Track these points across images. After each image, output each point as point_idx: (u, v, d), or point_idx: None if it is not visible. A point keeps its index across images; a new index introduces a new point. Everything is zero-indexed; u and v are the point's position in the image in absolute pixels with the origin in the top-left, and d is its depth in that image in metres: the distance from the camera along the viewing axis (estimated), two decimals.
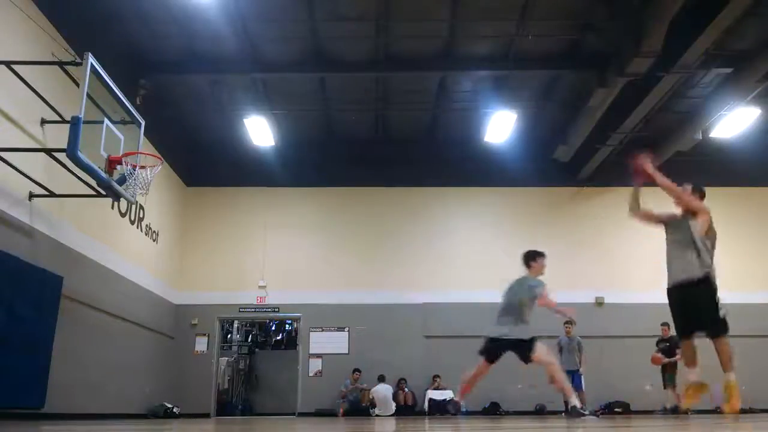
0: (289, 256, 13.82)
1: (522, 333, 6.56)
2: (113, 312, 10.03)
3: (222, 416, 13.49)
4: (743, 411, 12.31)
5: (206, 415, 12.83)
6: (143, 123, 8.11)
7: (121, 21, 9.74)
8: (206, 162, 14.03)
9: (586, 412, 6.62)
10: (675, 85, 10.95)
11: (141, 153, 7.88)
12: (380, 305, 13.47)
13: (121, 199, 7.88)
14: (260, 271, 13.71)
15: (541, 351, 6.58)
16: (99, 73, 6.96)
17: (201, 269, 13.71)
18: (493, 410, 12.64)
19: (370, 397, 12.66)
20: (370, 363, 12.98)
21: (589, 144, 12.65)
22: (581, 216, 14.11)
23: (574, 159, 13.41)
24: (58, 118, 7.63)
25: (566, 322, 11.63)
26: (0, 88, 6.94)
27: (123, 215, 10.69)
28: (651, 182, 5.53)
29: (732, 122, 11.95)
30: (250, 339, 17.02)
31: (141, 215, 11.44)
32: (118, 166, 7.36)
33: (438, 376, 12.94)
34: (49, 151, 7.39)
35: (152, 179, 7.92)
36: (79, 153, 6.53)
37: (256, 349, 16.82)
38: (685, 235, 5.49)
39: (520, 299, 6.69)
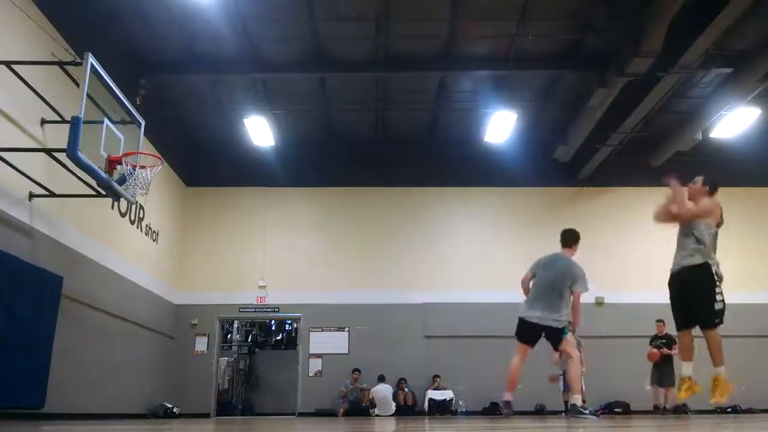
0: (289, 256, 13.82)
1: (557, 320, 6.37)
2: (113, 312, 10.03)
3: (222, 416, 13.49)
4: (743, 411, 12.34)
5: (206, 415, 12.84)
6: (143, 123, 8.11)
7: (121, 21, 9.74)
8: (206, 162, 14.03)
9: (587, 411, 6.55)
10: (675, 85, 10.95)
11: (141, 153, 7.88)
12: (380, 305, 13.47)
13: (121, 199, 7.88)
14: (260, 271, 13.71)
15: (569, 343, 6.49)
16: (99, 73, 6.95)
17: (201, 269, 13.71)
18: (493, 410, 12.64)
19: (370, 397, 12.66)
20: (370, 363, 12.98)
21: (589, 144, 12.65)
22: (581, 216, 14.07)
23: (574, 159, 13.41)
24: (58, 118, 7.63)
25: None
26: (0, 88, 6.94)
27: (123, 215, 10.69)
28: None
29: (732, 122, 11.96)
30: (250, 339, 17.02)
31: (141, 215, 11.44)
32: (118, 166, 7.35)
33: (438, 376, 12.95)
34: (49, 151, 7.39)
35: (152, 179, 7.91)
36: (79, 153, 6.53)
37: (256, 349, 16.82)
38: (688, 227, 5.66)
39: (564, 286, 6.45)
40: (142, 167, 7.72)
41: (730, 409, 12.47)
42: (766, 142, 13.70)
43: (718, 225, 5.49)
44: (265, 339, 17.38)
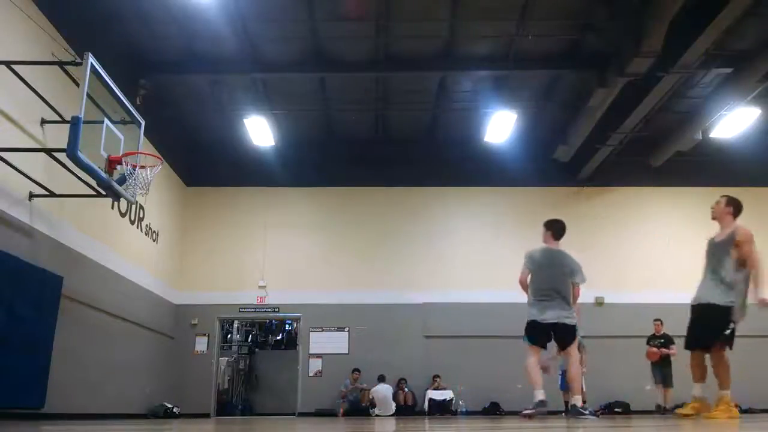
0: (289, 256, 13.82)
1: (569, 317, 6.14)
2: (113, 312, 10.03)
3: (222, 416, 13.49)
4: (743, 411, 12.32)
5: (206, 415, 12.83)
6: (143, 123, 8.11)
7: (121, 21, 9.74)
8: (206, 162, 14.03)
9: (587, 412, 6.46)
10: (675, 85, 10.95)
11: (141, 153, 7.88)
12: (380, 305, 13.47)
13: (121, 199, 7.87)
14: (260, 271, 13.71)
15: (576, 342, 6.33)
16: (99, 73, 6.95)
17: (201, 269, 13.71)
18: (493, 410, 12.64)
19: (370, 397, 12.66)
20: (370, 363, 12.98)
21: (589, 144, 12.65)
22: (581, 216, 14.08)
23: (574, 159, 13.40)
24: (58, 118, 7.63)
25: None
26: (0, 88, 6.94)
27: (123, 215, 10.69)
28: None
29: (732, 122, 11.95)
30: (250, 339, 17.02)
31: (141, 215, 11.44)
32: (118, 166, 7.35)
33: (438, 376, 12.94)
34: (49, 151, 7.39)
35: (152, 179, 7.91)
36: (79, 153, 6.53)
37: (256, 349, 16.82)
38: (718, 261, 5.92)
39: (567, 280, 6.28)
40: (142, 167, 7.72)
41: None
42: (766, 142, 13.69)
43: (746, 263, 5.51)
44: (265, 339, 17.38)
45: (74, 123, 6.53)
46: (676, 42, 9.19)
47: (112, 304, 9.98)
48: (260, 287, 13.66)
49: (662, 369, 11.25)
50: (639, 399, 12.57)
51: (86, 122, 6.68)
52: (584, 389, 11.37)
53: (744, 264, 5.64)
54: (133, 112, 7.89)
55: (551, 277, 6.29)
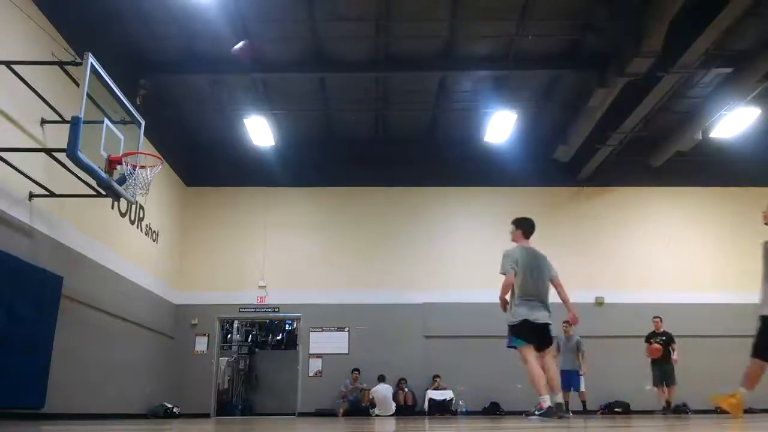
0: (289, 256, 13.82)
1: (550, 316, 6.24)
2: (113, 312, 10.03)
3: (222, 416, 13.49)
4: (743, 411, 12.31)
5: (206, 415, 12.83)
6: (143, 123, 8.11)
7: (121, 21, 9.74)
8: (206, 162, 14.03)
9: (537, 413, 6.30)
10: (675, 85, 10.95)
11: (141, 153, 7.88)
12: (380, 305, 13.47)
13: (121, 199, 7.87)
14: (260, 271, 13.71)
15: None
16: (99, 73, 6.95)
17: (201, 269, 13.71)
18: (493, 410, 12.65)
19: (370, 397, 12.66)
20: (370, 363, 12.98)
21: (589, 144, 12.66)
22: (581, 216, 14.11)
23: (574, 159, 13.41)
24: (58, 118, 7.63)
25: (564, 322, 11.62)
26: (0, 88, 6.94)
27: (123, 215, 10.69)
28: None
29: (732, 122, 11.95)
30: (250, 339, 17.01)
31: (141, 215, 11.44)
32: (118, 166, 7.35)
33: (438, 376, 12.94)
34: (49, 151, 7.39)
35: (152, 179, 7.91)
36: (79, 153, 6.53)
37: (256, 349, 16.82)
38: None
39: (550, 279, 6.37)
40: (142, 167, 7.72)
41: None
42: (766, 142, 13.70)
43: None
44: (265, 339, 17.38)
45: (74, 123, 6.53)
46: (676, 42, 9.19)
47: (112, 304, 9.98)
48: (260, 287, 13.66)
49: (663, 367, 11.17)
50: (639, 399, 12.57)
51: (86, 122, 6.68)
52: (583, 389, 11.43)
53: None
54: (133, 112, 7.89)
55: (538, 276, 6.33)
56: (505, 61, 10.88)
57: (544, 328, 6.20)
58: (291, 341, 16.39)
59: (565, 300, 6.49)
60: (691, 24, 8.94)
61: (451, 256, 13.85)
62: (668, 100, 11.72)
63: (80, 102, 6.60)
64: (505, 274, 6.35)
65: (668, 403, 11.13)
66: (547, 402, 5.96)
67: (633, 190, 14.27)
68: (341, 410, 12.60)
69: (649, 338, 11.46)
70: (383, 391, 12.55)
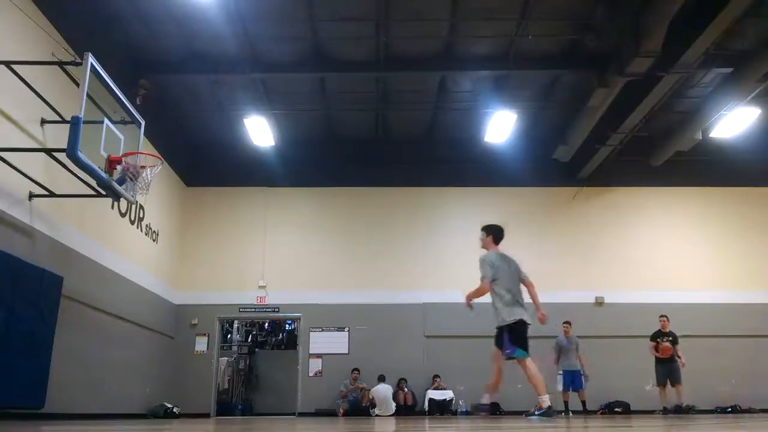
0: (289, 256, 13.82)
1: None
2: (113, 312, 10.03)
3: (222, 416, 13.49)
4: (743, 411, 12.34)
5: (206, 415, 12.83)
6: (143, 123, 8.11)
7: (121, 21, 9.75)
8: (206, 162, 14.03)
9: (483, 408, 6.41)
10: (675, 85, 10.95)
11: (141, 153, 7.88)
12: (380, 305, 13.47)
13: (121, 199, 7.87)
14: (260, 271, 13.71)
15: None
16: (99, 73, 6.95)
17: (201, 269, 13.70)
18: (493, 410, 12.63)
19: (370, 397, 12.66)
20: (370, 363, 12.98)
21: (589, 144, 12.66)
22: (581, 216, 14.11)
23: (574, 159, 13.41)
24: (58, 118, 7.63)
25: (565, 322, 11.62)
26: (0, 88, 6.94)
27: (123, 215, 10.69)
28: None
29: (732, 122, 11.95)
30: (250, 339, 17.02)
31: (141, 215, 11.44)
32: (118, 166, 7.35)
33: (438, 376, 12.94)
34: (49, 151, 7.39)
35: (152, 179, 7.91)
36: (79, 153, 6.53)
37: (256, 349, 16.82)
38: None
39: (521, 280, 6.54)
40: (142, 167, 7.72)
41: (730, 409, 12.48)
42: (766, 142, 13.71)
43: None
44: (265, 339, 17.38)
45: (74, 123, 6.52)
46: (676, 42, 9.19)
47: (112, 304, 9.98)
48: (260, 287, 13.66)
49: (669, 366, 11.07)
50: (639, 399, 12.58)
51: (86, 122, 6.67)
52: (584, 388, 11.42)
53: None
54: (133, 112, 7.89)
55: (515, 278, 6.51)
56: (505, 61, 10.88)
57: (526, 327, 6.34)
58: (291, 341, 16.39)
59: (535, 299, 6.63)
60: (691, 24, 8.95)
61: (451, 255, 13.84)
62: (668, 100, 11.73)
63: (80, 102, 6.59)
64: (484, 279, 6.46)
65: (679, 403, 11.00)
66: (546, 402, 6.03)
67: (633, 190, 14.27)
68: (341, 410, 12.60)
69: (656, 337, 11.35)
70: (383, 391, 12.55)
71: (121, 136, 7.59)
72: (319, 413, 12.67)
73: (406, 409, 12.61)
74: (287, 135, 13.57)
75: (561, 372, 11.32)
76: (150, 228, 11.93)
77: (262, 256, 13.78)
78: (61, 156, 6.98)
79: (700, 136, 12.24)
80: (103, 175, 7.09)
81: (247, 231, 13.96)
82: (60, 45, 7.95)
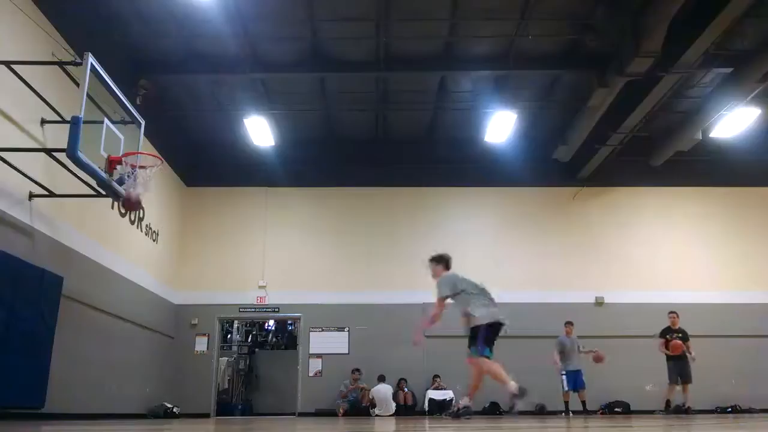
0: (289, 256, 13.82)
1: None
2: (113, 312, 10.03)
3: (222, 416, 13.49)
4: (743, 411, 12.34)
5: (206, 415, 12.83)
6: (143, 123, 8.11)
7: (121, 21, 9.74)
8: (206, 162, 14.03)
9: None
10: (675, 85, 10.95)
11: (141, 153, 7.88)
12: (380, 305, 13.46)
13: (122, 199, 7.87)
14: (260, 271, 13.71)
15: None
16: (99, 73, 6.95)
17: (201, 269, 13.70)
18: (493, 410, 12.64)
19: (370, 397, 12.66)
20: (370, 363, 12.98)
21: (589, 144, 12.66)
22: (581, 216, 14.11)
23: (574, 159, 13.41)
24: (58, 118, 7.63)
25: (567, 323, 11.60)
26: (0, 88, 6.93)
27: (123, 215, 10.69)
28: None
29: (732, 122, 11.95)
30: (250, 339, 17.01)
31: (141, 215, 11.43)
32: (118, 166, 7.35)
33: (438, 376, 12.94)
34: (49, 151, 7.39)
35: (151, 178, 7.90)
36: (79, 153, 6.53)
37: (256, 349, 16.82)
38: None
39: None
40: (142, 167, 7.71)
41: (730, 409, 12.48)
42: (766, 142, 13.71)
43: None
44: (265, 339, 17.38)
45: (74, 123, 6.52)
46: (676, 42, 9.19)
47: (112, 304, 9.97)
48: (260, 287, 13.66)
49: (681, 364, 10.85)
50: (639, 399, 12.58)
51: (86, 122, 6.67)
52: (585, 388, 11.40)
53: None
54: (133, 112, 7.89)
55: (480, 287, 7.02)
56: (505, 61, 10.88)
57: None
58: (291, 341, 16.39)
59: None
60: (691, 24, 8.95)
61: (451, 255, 13.81)
62: (668, 100, 11.73)
63: (80, 102, 6.59)
64: (442, 298, 6.97)
65: (681, 403, 10.85)
66: (514, 384, 6.32)
67: (633, 190, 14.27)
68: (341, 410, 12.60)
69: (665, 334, 11.12)
70: (383, 391, 12.55)
71: (121, 136, 7.60)
72: (319, 413, 12.67)
73: (406, 409, 12.61)
74: (287, 135, 13.57)
75: (564, 372, 11.30)
76: (150, 228, 11.93)
77: (262, 256, 13.78)
78: (61, 156, 6.98)
79: (700, 136, 12.24)
80: (103, 175, 7.09)
81: (247, 231, 13.96)
82: (60, 45, 7.95)
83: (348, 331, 13.52)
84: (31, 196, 7.56)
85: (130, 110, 7.79)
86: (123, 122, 7.79)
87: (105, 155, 7.17)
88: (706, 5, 8.61)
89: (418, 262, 13.63)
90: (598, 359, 11.06)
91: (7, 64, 6.85)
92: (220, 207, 14.11)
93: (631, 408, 12.57)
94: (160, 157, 8.54)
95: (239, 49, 10.46)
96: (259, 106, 12.16)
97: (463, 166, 13.99)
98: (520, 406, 6.29)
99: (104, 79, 7.09)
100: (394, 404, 12.57)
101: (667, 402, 11.10)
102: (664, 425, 5.32)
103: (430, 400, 12.63)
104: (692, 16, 8.87)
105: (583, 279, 13.59)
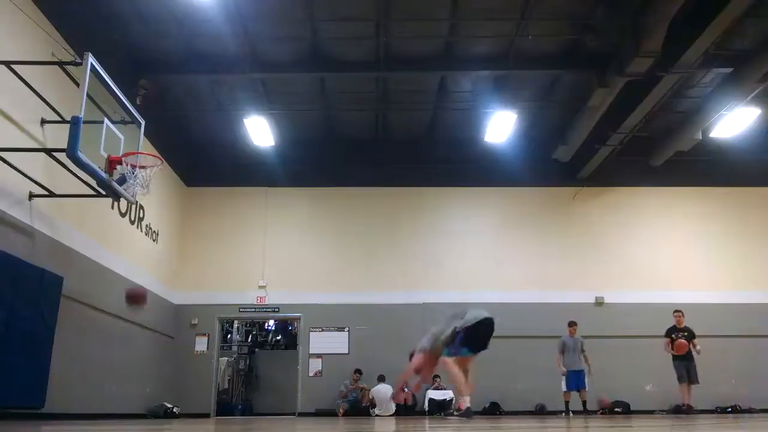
0: (289, 256, 13.82)
1: None
2: (113, 312, 10.02)
3: (222, 416, 13.49)
4: (743, 411, 12.34)
5: (206, 415, 12.83)
6: (143, 123, 8.11)
7: (121, 21, 9.74)
8: (206, 162, 14.03)
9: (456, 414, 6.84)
10: (675, 85, 10.95)
11: (141, 153, 7.88)
12: (380, 305, 13.47)
13: (121, 199, 7.87)
14: (260, 271, 13.71)
15: None
16: (99, 73, 6.95)
17: (201, 269, 13.70)
18: (493, 410, 12.65)
19: (370, 397, 12.66)
20: (370, 363, 12.97)
21: (589, 144, 12.66)
22: (581, 216, 14.11)
23: (574, 159, 13.41)
24: (58, 118, 7.63)
25: (571, 323, 11.58)
26: (0, 88, 6.93)
27: (123, 215, 10.69)
28: None
29: (732, 122, 11.95)
30: (250, 339, 17.01)
31: (141, 215, 11.44)
32: (118, 166, 7.35)
33: (438, 376, 12.91)
34: (49, 151, 7.39)
35: (151, 178, 7.90)
36: (79, 153, 6.53)
37: (256, 349, 16.81)
38: None
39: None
40: (142, 167, 7.72)
41: (730, 409, 12.48)
42: (766, 142, 13.71)
43: None
44: (265, 339, 17.37)
45: (74, 123, 6.52)
46: (676, 42, 9.19)
47: (112, 304, 9.96)
48: (260, 287, 13.66)
49: (688, 363, 10.65)
50: (639, 399, 12.58)
51: (86, 122, 6.67)
52: (587, 388, 11.37)
53: None
54: (133, 112, 7.89)
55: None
56: (505, 61, 10.88)
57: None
58: (291, 341, 16.39)
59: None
60: (691, 24, 8.95)
61: (451, 255, 13.85)
62: (668, 100, 11.73)
63: (80, 102, 6.60)
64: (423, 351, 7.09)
65: (685, 405, 10.67)
66: (467, 403, 6.51)
67: (633, 190, 14.27)
68: (341, 410, 12.60)
69: (671, 333, 10.91)
70: (383, 391, 12.54)
71: (121, 136, 7.60)
72: (319, 413, 12.67)
73: (406, 409, 12.60)
74: (287, 135, 13.57)
75: (565, 372, 11.29)
76: (150, 228, 11.93)
77: (262, 256, 13.78)
78: (61, 156, 6.98)
79: (700, 136, 12.24)
80: (103, 175, 7.09)
81: (247, 231, 13.96)
82: (60, 45, 7.95)
83: (348, 331, 13.53)
84: (31, 196, 7.56)
85: (130, 110, 7.79)
86: (123, 122, 7.79)
87: (105, 155, 7.17)
88: (706, 5, 8.61)
89: (419, 262, 13.80)
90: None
91: (7, 64, 6.85)
92: (220, 207, 14.10)
93: (631, 408, 12.56)
94: (160, 157, 8.55)
95: (239, 48, 10.46)
96: (259, 106, 12.16)
97: (463, 166, 13.99)
98: (455, 419, 6.49)
99: (104, 79, 7.09)
100: (394, 404, 12.57)
101: (685, 404, 10.73)
102: (663, 425, 5.32)
103: (430, 400, 12.62)
104: (692, 16, 8.86)
105: (583, 279, 13.59)
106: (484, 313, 6.96)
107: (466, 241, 13.99)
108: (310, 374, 13.30)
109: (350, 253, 13.88)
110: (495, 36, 10.48)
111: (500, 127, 12.49)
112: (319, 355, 13.37)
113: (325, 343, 13.43)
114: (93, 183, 7.55)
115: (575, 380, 11.16)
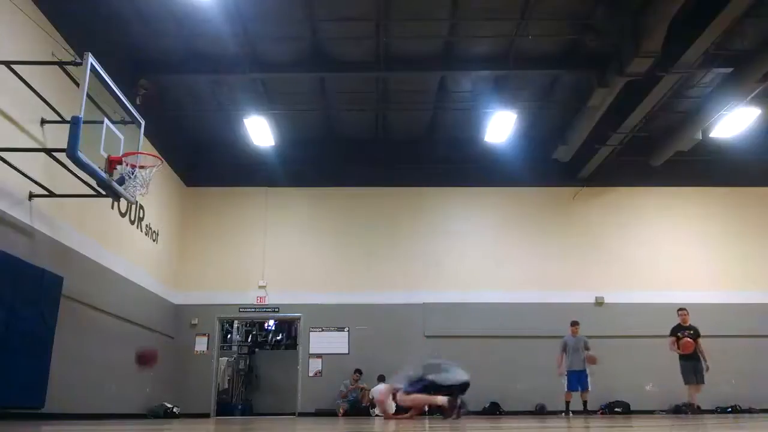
0: (289, 256, 13.82)
1: None
2: (113, 312, 10.03)
3: (222, 416, 13.49)
4: (743, 411, 12.34)
5: (206, 415, 12.83)
6: (143, 123, 8.11)
7: (121, 21, 9.74)
8: (206, 162, 14.03)
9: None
10: (675, 85, 10.95)
11: (141, 153, 7.88)
12: (380, 305, 13.47)
13: (121, 199, 7.87)
14: (260, 271, 13.71)
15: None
16: (99, 73, 6.95)
17: (201, 269, 13.70)
18: (492, 410, 12.65)
19: (370, 397, 12.65)
20: (370, 363, 12.96)
21: (589, 144, 12.66)
22: (581, 216, 14.11)
23: (574, 159, 13.41)
24: (58, 118, 7.63)
25: (573, 323, 11.56)
26: (0, 88, 6.93)
27: (123, 215, 10.69)
28: None
29: (732, 122, 11.95)
30: (250, 339, 17.01)
31: (141, 215, 11.44)
32: (118, 166, 7.35)
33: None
34: (49, 151, 7.39)
35: (151, 178, 7.90)
36: (79, 153, 6.53)
37: (256, 349, 16.82)
38: None
39: None
40: (142, 167, 7.71)
41: (730, 409, 12.48)
42: (766, 142, 13.71)
43: None
44: (265, 339, 17.38)
45: (74, 123, 6.52)
46: (676, 42, 9.19)
47: (112, 304, 9.97)
48: (260, 287, 13.66)
49: (694, 362, 10.43)
50: (639, 399, 12.58)
51: (86, 122, 6.67)
52: (590, 388, 11.36)
53: None
54: (133, 112, 7.89)
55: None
56: (505, 61, 10.88)
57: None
58: (291, 341, 16.39)
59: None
60: (691, 24, 8.95)
61: (451, 255, 13.85)
62: (668, 100, 11.73)
63: (80, 102, 6.60)
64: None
65: (690, 405, 10.55)
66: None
67: (633, 190, 14.27)
68: (341, 410, 12.60)
69: (676, 332, 10.66)
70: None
71: (121, 136, 7.60)
72: (319, 413, 12.67)
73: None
74: (287, 135, 13.57)
75: (566, 373, 11.28)
76: (150, 228, 11.93)
77: (262, 256, 13.78)
78: (61, 156, 6.98)
79: (700, 136, 12.24)
80: (103, 175, 7.09)
81: (247, 231, 13.96)
82: (60, 45, 7.95)
83: (348, 331, 13.52)
84: (31, 196, 7.56)
85: (130, 110, 7.79)
86: (123, 122, 7.79)
87: (105, 155, 7.17)
88: (706, 5, 8.61)
89: (419, 262, 13.79)
90: (591, 361, 10.98)
91: (7, 64, 6.85)
92: (220, 207, 14.10)
93: (631, 408, 12.56)
94: (160, 157, 8.55)
95: (239, 48, 10.46)
96: (259, 106, 12.16)
97: (463, 166, 13.99)
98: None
99: (104, 79, 7.09)
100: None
101: (693, 404, 10.60)
102: (663, 425, 5.32)
103: None
104: (692, 16, 8.86)
105: (583, 279, 13.59)
106: (464, 377, 7.18)
107: (466, 241, 13.99)
108: (310, 374, 13.30)
109: (350, 253, 13.88)
110: (495, 36, 10.48)
111: (500, 127, 12.49)
112: (319, 355, 13.37)
113: (325, 343, 13.42)
114: (93, 183, 7.55)
115: (576, 381, 11.15)
